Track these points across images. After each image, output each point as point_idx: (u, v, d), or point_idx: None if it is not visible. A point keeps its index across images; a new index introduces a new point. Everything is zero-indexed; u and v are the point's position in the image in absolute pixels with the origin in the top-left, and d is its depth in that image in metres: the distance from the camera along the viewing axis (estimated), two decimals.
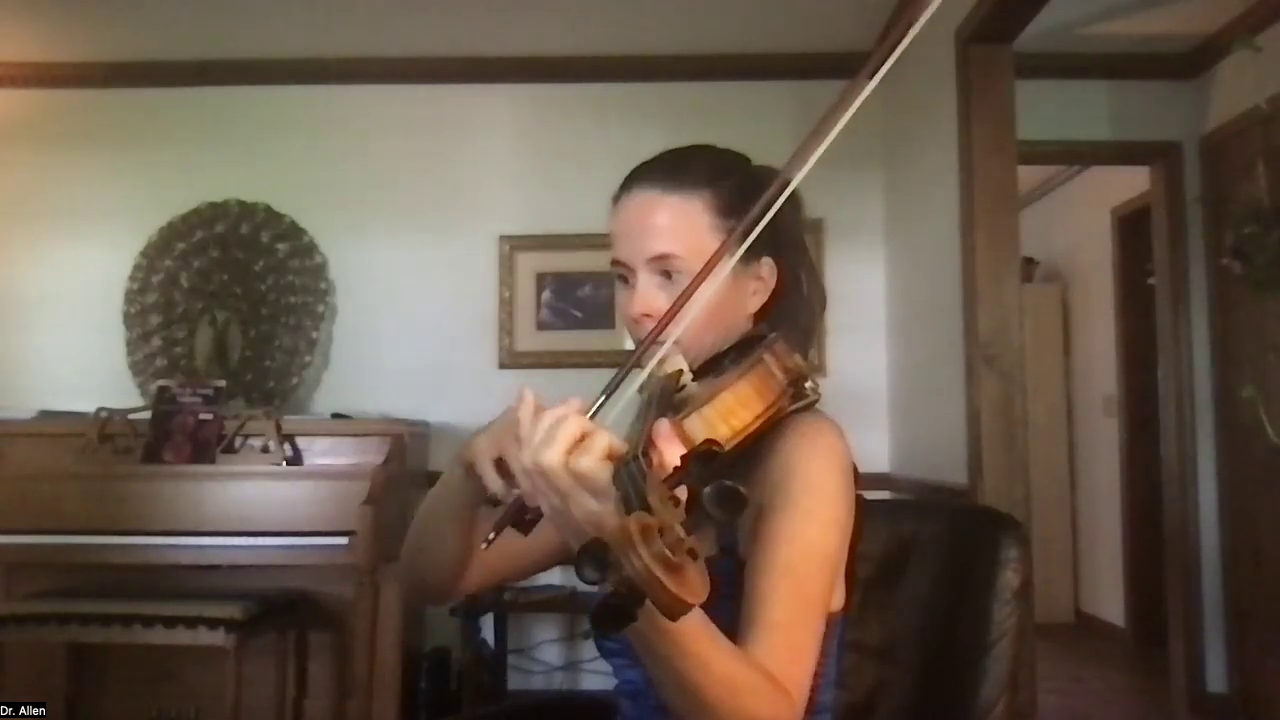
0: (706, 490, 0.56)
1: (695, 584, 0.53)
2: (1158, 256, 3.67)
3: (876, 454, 3.37)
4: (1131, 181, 4.21)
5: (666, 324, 0.82)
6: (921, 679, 1.01)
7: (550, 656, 3.45)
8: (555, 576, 3.11)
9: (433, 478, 4.16)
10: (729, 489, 0.56)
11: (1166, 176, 3.57)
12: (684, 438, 0.72)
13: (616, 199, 0.99)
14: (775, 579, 0.82)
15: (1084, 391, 5.10)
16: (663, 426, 0.70)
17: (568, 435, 0.67)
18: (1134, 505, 4.52)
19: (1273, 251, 2.80)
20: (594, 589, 0.54)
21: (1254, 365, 3.20)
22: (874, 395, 3.44)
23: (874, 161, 3.53)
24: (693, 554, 0.54)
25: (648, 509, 0.55)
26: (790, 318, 1.00)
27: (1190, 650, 3.46)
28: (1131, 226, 4.48)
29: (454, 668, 3.22)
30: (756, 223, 0.84)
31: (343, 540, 2.66)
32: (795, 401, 0.81)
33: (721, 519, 0.56)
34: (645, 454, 0.64)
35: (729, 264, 0.87)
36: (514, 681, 3.36)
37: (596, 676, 3.34)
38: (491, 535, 0.81)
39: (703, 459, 0.64)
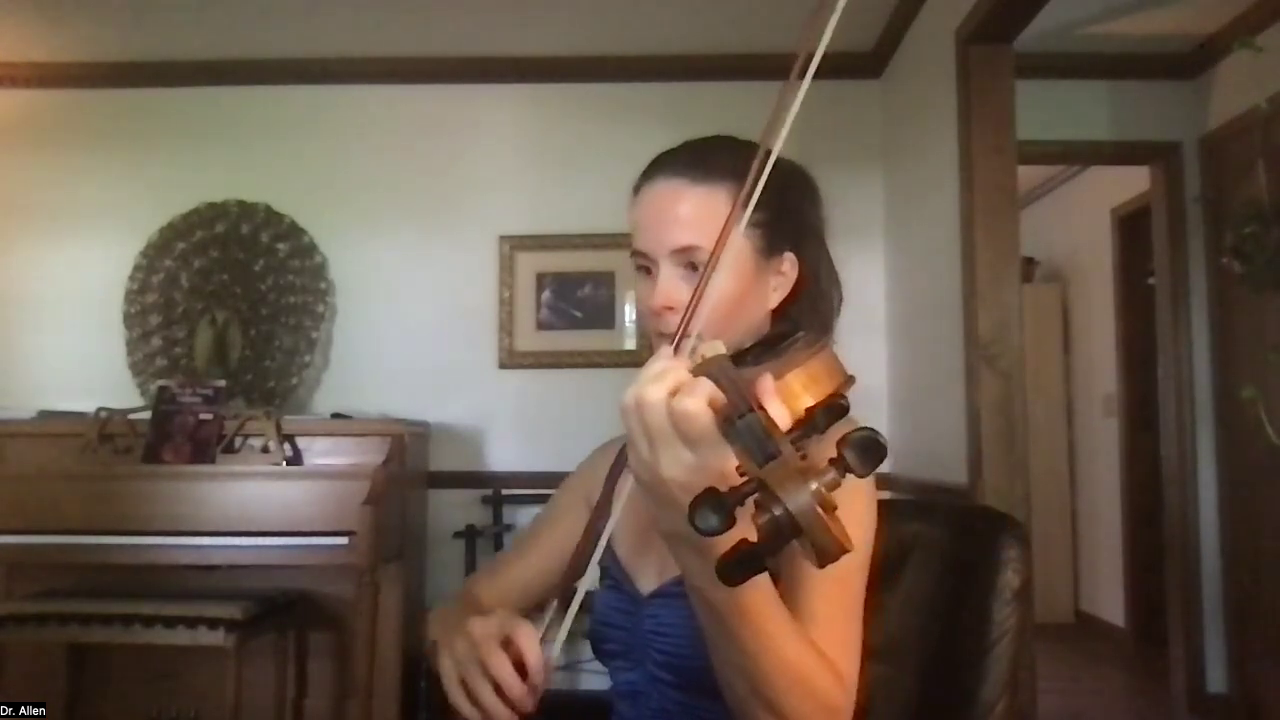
0: (853, 436, 0.53)
1: (845, 531, 0.51)
2: (1158, 256, 3.67)
3: None
4: (1131, 181, 4.21)
5: (693, 313, 0.80)
6: (921, 679, 1.00)
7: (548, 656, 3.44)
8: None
9: (433, 478, 4.13)
10: (873, 439, 0.53)
11: (1166, 176, 3.57)
12: (787, 395, 0.68)
13: (638, 188, 0.97)
14: (818, 577, 0.81)
15: (1084, 391, 5.10)
16: (768, 382, 0.67)
17: (674, 378, 0.65)
18: (1134, 505, 4.52)
19: (1273, 251, 2.79)
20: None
21: (1254, 365, 3.20)
22: (874, 395, 3.43)
23: (874, 161, 3.53)
24: (834, 504, 0.52)
25: (781, 457, 0.53)
26: (809, 313, 0.99)
27: (1190, 650, 3.46)
28: (1131, 226, 4.48)
29: None
30: (768, 206, 0.86)
31: (343, 540, 2.66)
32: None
33: (860, 472, 0.53)
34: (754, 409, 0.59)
35: (745, 249, 0.91)
36: None
37: (595, 676, 3.33)
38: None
39: (832, 411, 0.60)
